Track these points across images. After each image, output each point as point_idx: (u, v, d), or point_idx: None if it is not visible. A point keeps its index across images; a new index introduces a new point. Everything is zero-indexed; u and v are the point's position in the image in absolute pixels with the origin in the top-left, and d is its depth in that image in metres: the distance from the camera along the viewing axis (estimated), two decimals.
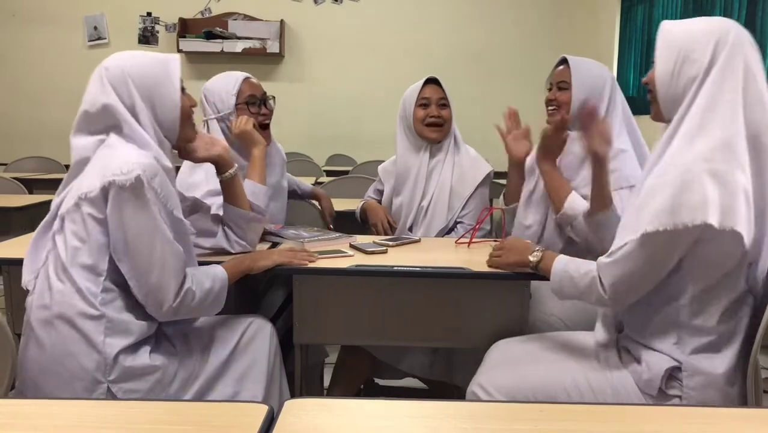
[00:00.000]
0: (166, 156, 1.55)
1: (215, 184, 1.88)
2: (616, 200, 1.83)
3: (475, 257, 1.89)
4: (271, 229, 2.13)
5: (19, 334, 1.48)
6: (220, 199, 1.87)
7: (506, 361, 1.60)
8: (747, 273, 1.39)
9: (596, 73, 2.06)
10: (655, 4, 4.67)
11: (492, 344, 1.69)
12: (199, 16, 5.68)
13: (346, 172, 4.16)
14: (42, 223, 1.54)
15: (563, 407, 1.11)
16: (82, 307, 1.41)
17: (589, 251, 1.79)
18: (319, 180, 3.86)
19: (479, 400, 1.48)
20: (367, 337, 1.88)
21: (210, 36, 5.51)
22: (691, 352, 1.37)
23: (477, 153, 2.47)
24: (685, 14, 4.20)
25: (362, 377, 2.27)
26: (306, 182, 2.69)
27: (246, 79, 2.18)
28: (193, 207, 1.80)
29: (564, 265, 1.52)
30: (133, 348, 1.46)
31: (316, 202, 2.61)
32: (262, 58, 5.60)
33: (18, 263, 1.54)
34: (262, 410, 0.97)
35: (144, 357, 1.47)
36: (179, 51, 5.53)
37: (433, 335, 1.82)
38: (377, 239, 2.15)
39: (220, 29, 5.54)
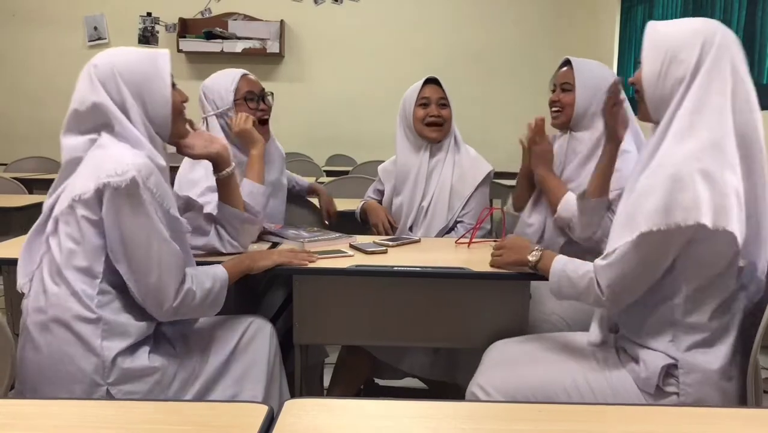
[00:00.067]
0: (159, 154, 1.53)
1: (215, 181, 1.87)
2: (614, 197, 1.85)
3: (475, 257, 1.89)
4: (271, 229, 2.13)
5: (18, 334, 1.48)
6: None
7: (505, 361, 1.60)
8: (739, 272, 1.40)
9: (600, 75, 2.06)
10: (655, 4, 4.67)
11: (491, 344, 1.70)
12: (199, 16, 5.68)
13: (346, 173, 4.17)
14: (35, 225, 1.52)
15: (562, 408, 1.11)
16: (78, 310, 1.40)
17: (589, 251, 1.79)
18: (319, 180, 3.86)
19: (479, 400, 1.48)
20: (367, 337, 1.88)
21: (210, 36, 5.51)
22: (686, 349, 1.38)
23: (477, 153, 2.47)
24: (685, 14, 4.20)
25: (362, 377, 2.28)
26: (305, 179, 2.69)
27: (244, 75, 2.19)
28: (186, 206, 1.77)
29: (562, 265, 1.52)
30: (132, 350, 1.45)
31: (316, 201, 2.61)
32: (262, 59, 5.60)
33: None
34: (262, 410, 0.97)
35: (143, 359, 1.46)
36: (179, 51, 5.54)
37: (433, 335, 1.82)
38: (377, 239, 2.15)
39: (220, 29, 5.54)
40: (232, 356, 1.62)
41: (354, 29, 5.69)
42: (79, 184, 1.43)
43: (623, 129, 1.77)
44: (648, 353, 1.41)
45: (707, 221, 1.27)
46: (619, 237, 1.37)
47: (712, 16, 3.88)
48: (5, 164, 4.70)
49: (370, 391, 2.42)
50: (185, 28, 5.60)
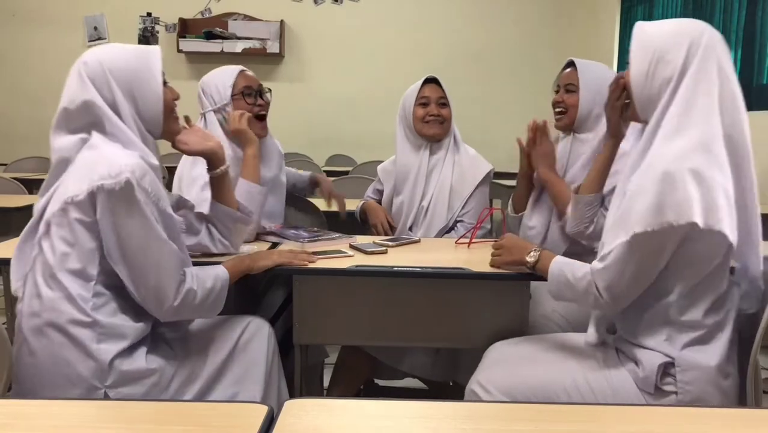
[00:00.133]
0: (151, 152, 1.51)
1: None
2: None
3: (475, 257, 1.89)
4: (272, 229, 2.13)
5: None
6: None
7: (505, 361, 1.60)
8: (731, 272, 1.41)
9: (603, 77, 2.06)
10: (655, 4, 4.68)
11: (492, 344, 1.70)
12: (199, 16, 5.68)
13: (346, 173, 4.17)
14: (26, 228, 1.49)
15: (562, 408, 1.11)
16: (73, 314, 1.38)
17: (592, 252, 1.79)
18: None
19: (478, 399, 1.48)
20: (367, 337, 1.88)
21: (210, 36, 5.51)
22: (682, 347, 1.38)
23: (476, 152, 2.47)
24: (684, 14, 4.20)
25: (362, 378, 2.28)
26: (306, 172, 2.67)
27: (242, 71, 2.19)
28: (177, 205, 1.75)
29: (560, 267, 1.53)
30: (129, 352, 1.43)
31: (316, 201, 2.61)
32: (262, 59, 5.60)
33: None
34: (262, 410, 0.97)
35: (140, 360, 1.44)
36: (179, 51, 5.54)
37: (433, 336, 1.82)
38: (377, 239, 2.15)
39: (220, 29, 5.54)
40: (231, 357, 1.61)
41: (354, 29, 5.69)
42: (71, 186, 1.41)
43: (626, 125, 1.77)
44: (645, 352, 1.41)
45: (698, 219, 1.28)
46: (614, 238, 1.38)
47: (712, 16, 3.89)
48: (5, 164, 4.71)
49: (370, 391, 2.42)
50: (185, 28, 5.61)
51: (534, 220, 2.15)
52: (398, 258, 1.90)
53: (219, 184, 1.78)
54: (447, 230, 2.38)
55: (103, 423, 0.96)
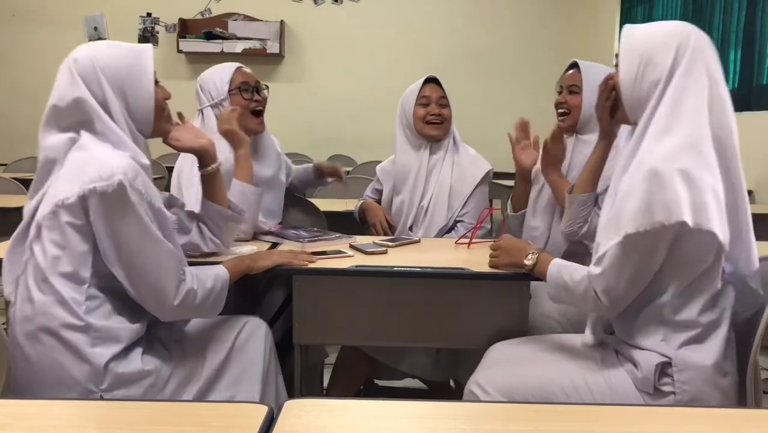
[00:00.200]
0: (142, 152, 1.48)
1: None
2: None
3: (475, 257, 1.89)
4: (271, 229, 2.14)
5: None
6: None
7: (504, 361, 1.60)
8: (723, 271, 1.41)
9: None
10: (655, 4, 4.68)
11: (491, 345, 1.70)
12: (199, 16, 5.68)
13: (346, 173, 4.15)
14: (17, 231, 1.47)
15: (560, 408, 1.11)
16: (65, 318, 1.36)
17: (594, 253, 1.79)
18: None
19: (477, 399, 1.49)
20: (367, 337, 1.88)
21: (210, 36, 5.51)
22: (678, 346, 1.39)
23: (476, 152, 2.47)
24: (684, 14, 4.20)
25: (362, 378, 2.28)
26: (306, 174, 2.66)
27: (239, 67, 2.21)
28: (168, 203, 1.73)
29: (558, 271, 1.53)
30: (124, 354, 1.42)
31: (316, 201, 2.61)
32: (262, 59, 5.60)
33: None
34: (262, 410, 0.97)
35: (136, 362, 1.43)
36: (179, 51, 5.54)
37: (433, 336, 1.83)
38: (377, 239, 2.15)
39: (220, 30, 5.54)
40: (228, 357, 1.60)
41: (354, 29, 5.69)
42: (62, 188, 1.38)
43: (617, 125, 1.78)
44: (642, 353, 1.42)
45: (688, 218, 1.29)
46: (607, 239, 1.39)
47: (712, 17, 3.89)
48: (5, 164, 4.71)
49: (370, 391, 2.42)
50: (185, 28, 5.61)
51: (537, 220, 2.16)
52: (398, 258, 1.90)
53: (210, 182, 1.76)
54: (447, 230, 2.38)
55: (103, 423, 0.96)
